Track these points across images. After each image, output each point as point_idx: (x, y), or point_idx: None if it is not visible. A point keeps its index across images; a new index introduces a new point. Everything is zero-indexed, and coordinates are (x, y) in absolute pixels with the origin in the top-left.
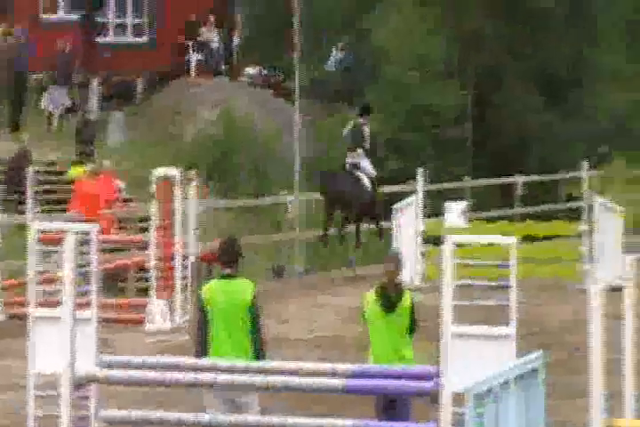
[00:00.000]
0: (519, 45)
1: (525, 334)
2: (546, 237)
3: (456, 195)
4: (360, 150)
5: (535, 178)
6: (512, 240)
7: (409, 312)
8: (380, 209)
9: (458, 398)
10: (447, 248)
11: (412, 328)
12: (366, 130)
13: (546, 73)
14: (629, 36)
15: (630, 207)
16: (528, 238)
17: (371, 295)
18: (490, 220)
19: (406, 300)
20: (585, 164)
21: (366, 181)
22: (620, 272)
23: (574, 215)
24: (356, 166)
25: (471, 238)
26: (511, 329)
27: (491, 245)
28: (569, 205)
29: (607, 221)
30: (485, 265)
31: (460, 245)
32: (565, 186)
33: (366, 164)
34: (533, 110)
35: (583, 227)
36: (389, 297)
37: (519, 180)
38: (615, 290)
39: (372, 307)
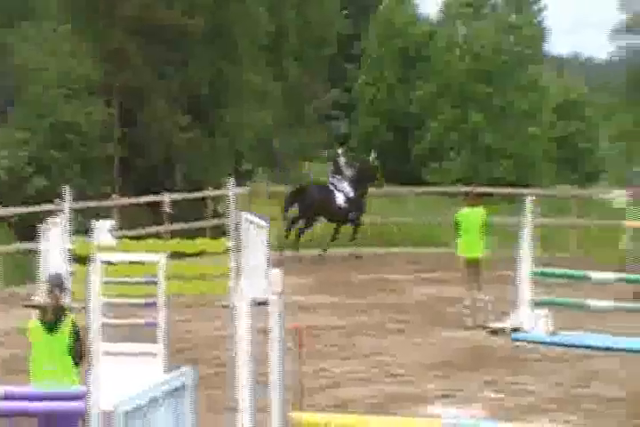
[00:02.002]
0: (163, 64)
1: (174, 350)
2: (194, 254)
3: (103, 213)
4: (338, 176)
5: (182, 195)
6: (160, 258)
7: (71, 335)
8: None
9: (109, 417)
10: (95, 267)
11: (76, 351)
12: (341, 160)
13: (190, 91)
14: (271, 55)
15: (274, 222)
16: (177, 256)
17: (35, 318)
18: (138, 238)
19: (68, 323)
20: (231, 181)
21: (340, 197)
22: (266, 287)
23: (222, 232)
24: (336, 186)
25: (120, 257)
26: (159, 346)
27: (140, 263)
28: (216, 221)
29: (253, 236)
30: (135, 283)
31: (109, 264)
32: (212, 203)
33: (344, 185)
34: (179, 129)
35: (230, 243)
36: (49, 319)
37: (166, 198)
38: (261, 304)
39: (34, 329)
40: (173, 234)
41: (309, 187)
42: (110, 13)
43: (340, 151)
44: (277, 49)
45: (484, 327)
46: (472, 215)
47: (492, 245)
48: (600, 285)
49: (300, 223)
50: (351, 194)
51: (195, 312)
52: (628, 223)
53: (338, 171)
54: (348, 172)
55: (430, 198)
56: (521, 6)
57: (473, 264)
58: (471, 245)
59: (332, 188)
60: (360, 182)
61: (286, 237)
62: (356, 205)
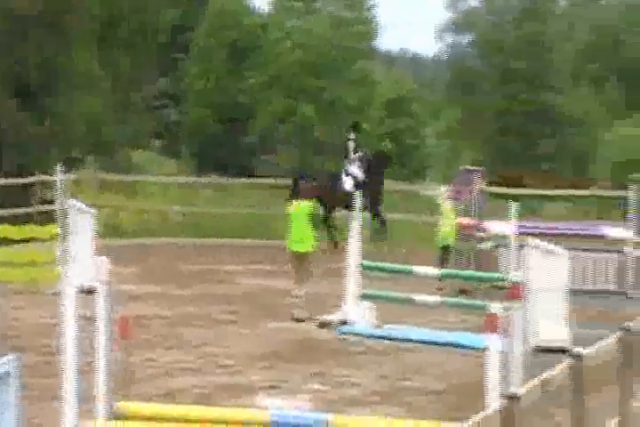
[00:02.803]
0: None
1: None
2: (20, 241)
3: None
4: (345, 160)
5: (10, 181)
6: None
7: None
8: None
9: None
10: None
11: None
12: (350, 144)
13: (20, 75)
14: (101, 41)
15: (103, 210)
16: (2, 242)
17: None
18: None
19: None
20: (59, 167)
21: (348, 183)
22: (94, 275)
23: (49, 219)
24: (347, 172)
25: None
26: None
27: None
28: (44, 208)
29: (81, 224)
30: None
31: None
32: (40, 189)
33: (354, 169)
34: (7, 113)
35: (57, 230)
36: None
37: None
38: (89, 292)
39: None
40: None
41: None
42: None
43: (350, 136)
44: (107, 36)
45: (298, 320)
46: (300, 208)
47: (320, 237)
48: (427, 279)
49: (322, 212)
50: (360, 178)
51: (24, 299)
52: (446, 221)
53: (347, 155)
54: (358, 157)
55: (260, 190)
56: (353, 2)
57: (300, 257)
58: (299, 237)
59: (341, 173)
60: (373, 170)
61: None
62: (369, 192)
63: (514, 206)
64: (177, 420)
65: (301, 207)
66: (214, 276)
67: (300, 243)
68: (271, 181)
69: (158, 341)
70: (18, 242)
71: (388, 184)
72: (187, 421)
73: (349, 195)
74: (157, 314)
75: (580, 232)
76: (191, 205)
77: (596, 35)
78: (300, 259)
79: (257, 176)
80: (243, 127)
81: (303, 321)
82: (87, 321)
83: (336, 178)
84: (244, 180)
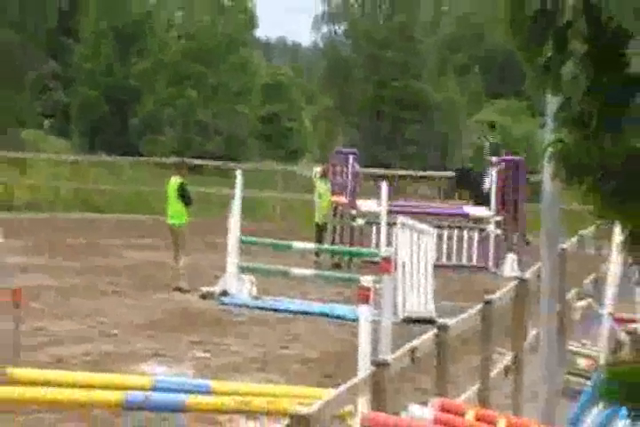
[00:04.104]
0: None
1: None
2: None
3: None
4: (486, 162)
5: None
6: None
7: None
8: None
9: None
10: None
11: None
12: (486, 144)
13: None
14: None
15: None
16: None
17: None
18: None
19: None
20: None
21: (487, 182)
22: None
23: None
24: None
25: None
26: None
27: None
28: None
29: None
30: None
31: None
32: None
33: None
34: None
35: None
36: None
37: None
38: None
39: None
40: None
41: (470, 172)
42: None
43: (486, 137)
44: None
45: (182, 291)
46: (171, 185)
47: (203, 213)
48: (303, 254)
49: None
50: (489, 184)
51: None
52: (322, 200)
53: (483, 155)
54: (496, 162)
55: (145, 169)
56: None
57: (174, 230)
58: (171, 212)
59: (483, 173)
60: (511, 179)
61: None
62: (506, 200)
63: (384, 186)
64: (66, 385)
65: (171, 184)
66: (101, 249)
67: (173, 217)
68: (156, 159)
69: (48, 310)
70: None
71: (268, 165)
72: (76, 386)
73: (486, 194)
74: (47, 285)
75: (446, 211)
76: (80, 182)
77: (459, 27)
78: (174, 232)
79: (144, 155)
80: (131, 109)
81: (189, 291)
82: None
83: (481, 176)
84: (130, 158)
